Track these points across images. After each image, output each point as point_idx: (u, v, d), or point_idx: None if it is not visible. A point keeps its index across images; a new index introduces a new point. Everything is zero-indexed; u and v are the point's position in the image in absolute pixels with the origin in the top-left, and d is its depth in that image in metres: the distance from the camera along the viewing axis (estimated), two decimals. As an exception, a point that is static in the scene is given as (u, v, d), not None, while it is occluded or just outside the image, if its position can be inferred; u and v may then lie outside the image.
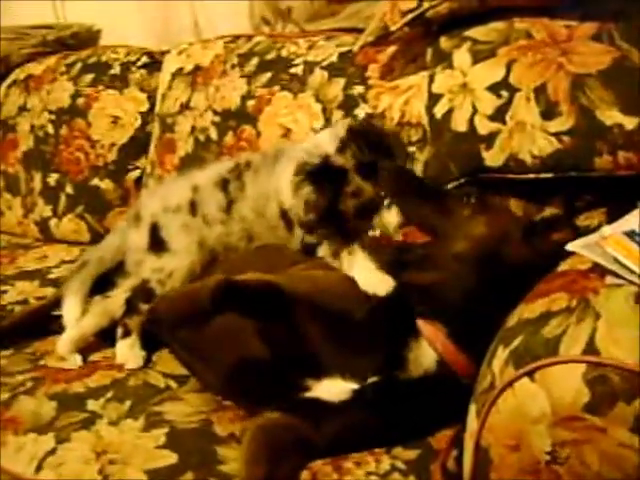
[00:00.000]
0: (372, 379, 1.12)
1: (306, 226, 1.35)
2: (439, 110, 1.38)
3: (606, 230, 1.01)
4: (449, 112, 1.36)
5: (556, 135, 1.26)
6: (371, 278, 1.22)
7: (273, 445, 1.10)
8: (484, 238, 1.17)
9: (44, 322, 1.54)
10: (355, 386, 1.12)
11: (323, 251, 1.33)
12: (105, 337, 1.44)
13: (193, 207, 1.44)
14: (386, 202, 1.30)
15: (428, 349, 1.13)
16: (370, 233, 1.31)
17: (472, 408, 0.94)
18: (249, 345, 1.17)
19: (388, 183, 1.29)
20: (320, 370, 1.13)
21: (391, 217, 1.30)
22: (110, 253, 1.53)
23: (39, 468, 1.14)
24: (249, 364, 1.18)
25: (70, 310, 1.45)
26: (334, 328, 1.15)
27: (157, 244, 1.44)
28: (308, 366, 1.14)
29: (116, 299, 1.44)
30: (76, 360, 1.39)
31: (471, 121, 1.33)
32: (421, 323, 1.15)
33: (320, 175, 1.34)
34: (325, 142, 1.38)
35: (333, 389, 1.12)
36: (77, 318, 1.44)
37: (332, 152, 1.36)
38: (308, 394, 1.13)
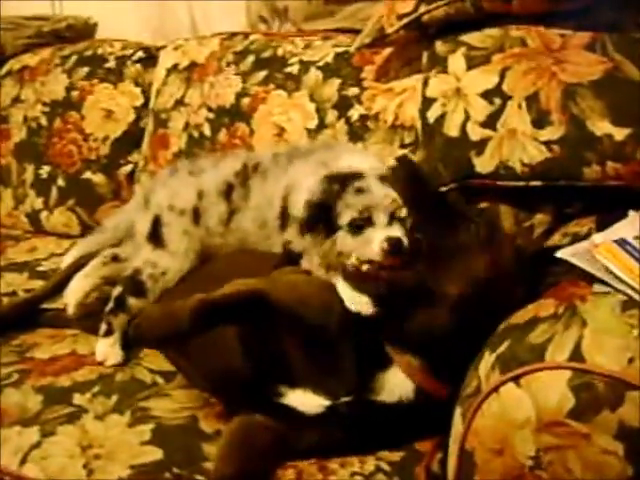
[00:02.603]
0: (345, 399, 1.10)
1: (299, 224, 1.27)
2: (432, 114, 1.38)
3: (597, 238, 1.01)
4: (442, 117, 1.37)
5: (546, 144, 1.27)
6: (355, 297, 1.14)
7: (248, 443, 1.10)
8: (481, 282, 1.09)
9: (32, 314, 1.54)
10: (327, 402, 1.10)
11: (306, 262, 1.27)
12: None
13: (196, 215, 1.41)
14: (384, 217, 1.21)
15: (404, 379, 1.09)
16: (350, 262, 1.21)
17: (457, 411, 0.95)
18: (230, 352, 1.16)
19: (403, 188, 1.18)
20: (293, 380, 1.12)
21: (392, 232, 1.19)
22: (124, 224, 1.55)
23: (23, 461, 1.13)
24: (230, 373, 1.18)
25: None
26: (309, 341, 1.12)
27: (156, 238, 1.42)
28: (282, 374, 1.13)
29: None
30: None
31: (463, 127, 1.34)
32: (395, 355, 1.10)
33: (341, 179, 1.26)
34: None
35: (306, 401, 1.11)
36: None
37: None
38: (283, 400, 1.12)
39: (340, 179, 1.24)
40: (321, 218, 1.23)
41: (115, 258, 1.51)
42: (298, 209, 1.28)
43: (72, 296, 1.49)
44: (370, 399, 1.10)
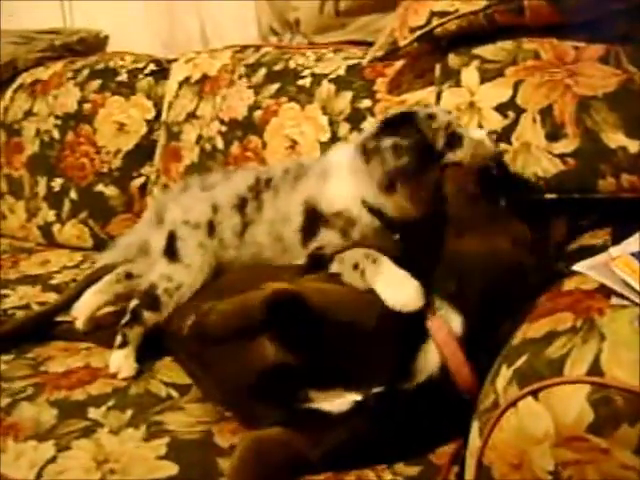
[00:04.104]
0: (376, 390, 1.11)
1: (401, 175, 1.22)
2: (446, 129, 1.38)
3: (614, 251, 1.01)
4: (456, 130, 1.36)
5: (560, 157, 1.27)
6: (398, 290, 1.16)
7: (261, 460, 1.09)
8: (523, 240, 1.17)
9: (46, 327, 1.54)
10: (358, 397, 1.11)
11: (336, 267, 1.27)
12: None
13: (211, 228, 1.42)
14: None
15: (434, 353, 1.12)
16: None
17: (475, 426, 0.94)
18: (261, 358, 1.15)
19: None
20: (325, 382, 1.12)
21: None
22: (137, 241, 1.56)
23: (39, 476, 1.13)
24: (256, 380, 1.17)
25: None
26: (343, 340, 1.12)
27: (171, 252, 1.43)
28: (313, 377, 1.13)
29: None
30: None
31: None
32: (433, 324, 1.13)
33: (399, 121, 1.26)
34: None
35: (335, 400, 1.11)
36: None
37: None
38: (309, 405, 1.12)
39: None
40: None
41: (128, 275, 1.51)
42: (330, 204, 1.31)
43: (81, 311, 1.49)
44: (400, 387, 1.11)
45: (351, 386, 1.11)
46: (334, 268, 1.27)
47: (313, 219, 1.33)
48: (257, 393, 1.17)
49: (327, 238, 1.31)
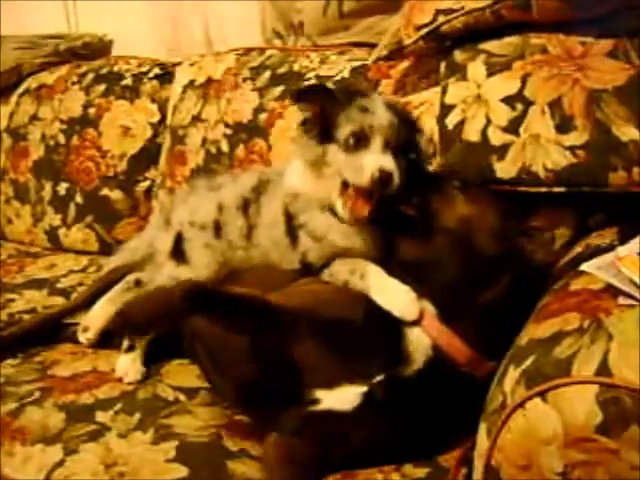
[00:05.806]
0: (378, 378, 1.12)
1: None
2: (451, 120, 1.37)
3: (621, 250, 1.01)
4: (461, 122, 1.36)
5: (571, 149, 1.26)
6: (392, 301, 1.17)
7: (293, 459, 1.11)
8: (468, 217, 1.21)
9: (53, 331, 1.54)
10: (364, 389, 1.12)
11: (327, 277, 1.28)
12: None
13: (218, 229, 1.41)
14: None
15: (423, 336, 1.14)
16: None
17: (482, 427, 0.94)
18: (243, 367, 1.18)
19: None
20: (330, 381, 1.13)
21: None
22: (144, 245, 1.57)
23: (47, 479, 1.13)
24: (247, 388, 1.19)
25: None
26: (335, 337, 1.15)
27: (178, 254, 1.43)
28: (316, 378, 1.13)
29: None
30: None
31: (484, 132, 1.33)
32: None
33: None
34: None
35: (344, 397, 1.12)
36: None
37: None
38: (319, 407, 1.13)
39: (347, 93, 1.30)
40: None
41: (138, 282, 1.51)
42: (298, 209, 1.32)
43: (93, 322, 1.49)
44: (400, 373, 1.13)
45: (355, 380, 1.12)
46: (326, 277, 1.28)
47: (291, 224, 1.34)
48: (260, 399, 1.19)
49: (307, 244, 1.32)
